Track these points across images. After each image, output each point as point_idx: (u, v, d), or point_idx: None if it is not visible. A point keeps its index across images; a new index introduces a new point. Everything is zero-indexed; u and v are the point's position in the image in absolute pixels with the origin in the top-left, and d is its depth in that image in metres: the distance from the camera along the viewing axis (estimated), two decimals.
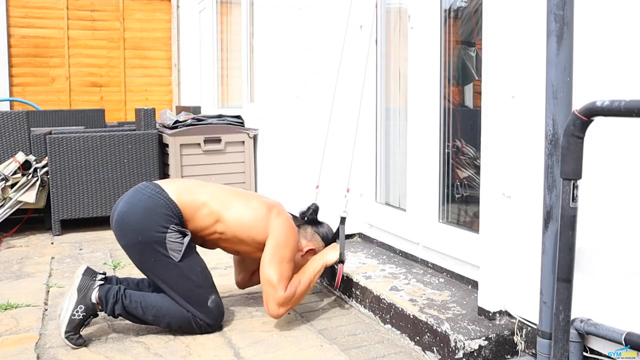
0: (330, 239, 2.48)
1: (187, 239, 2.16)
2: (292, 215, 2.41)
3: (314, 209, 2.49)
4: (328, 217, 2.60)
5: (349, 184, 2.64)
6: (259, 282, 2.41)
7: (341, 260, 2.40)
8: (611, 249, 1.60)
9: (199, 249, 2.28)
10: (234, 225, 2.23)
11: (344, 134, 3.02)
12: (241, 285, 2.60)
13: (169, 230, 2.13)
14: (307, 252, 2.39)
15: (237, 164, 4.23)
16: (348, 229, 3.07)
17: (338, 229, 2.48)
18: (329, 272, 2.56)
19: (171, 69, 7.62)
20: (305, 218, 2.49)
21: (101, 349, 2.07)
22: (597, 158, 1.61)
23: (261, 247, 2.24)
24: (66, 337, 2.04)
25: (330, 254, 2.37)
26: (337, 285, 2.47)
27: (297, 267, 2.35)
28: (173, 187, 2.23)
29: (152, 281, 2.24)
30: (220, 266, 3.05)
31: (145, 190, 2.20)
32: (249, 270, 2.55)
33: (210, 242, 2.32)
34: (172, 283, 2.15)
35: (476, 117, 2.16)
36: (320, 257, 2.36)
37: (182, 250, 2.13)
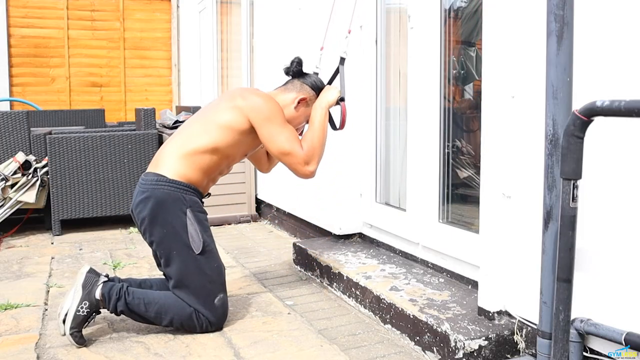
0: (319, 86, 2.40)
1: (202, 227, 2.17)
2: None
3: (298, 61, 2.40)
4: None
5: (351, 26, 2.52)
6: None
7: (342, 98, 2.33)
8: (611, 249, 1.59)
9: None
10: (222, 139, 2.20)
11: (345, 133, 3.02)
12: (265, 170, 2.63)
13: (187, 215, 2.14)
14: (298, 102, 2.34)
15: (237, 164, 4.22)
16: (347, 229, 3.08)
17: (337, 70, 2.41)
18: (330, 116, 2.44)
19: (171, 69, 7.63)
20: (290, 72, 2.43)
21: (101, 349, 2.08)
22: (597, 158, 1.61)
23: (256, 134, 2.23)
24: (71, 334, 2.04)
25: (329, 94, 2.33)
26: (343, 126, 2.38)
27: (297, 121, 2.34)
28: (162, 164, 2.20)
29: (162, 278, 2.26)
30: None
31: (147, 184, 2.19)
32: (262, 156, 2.57)
33: (226, 170, 2.34)
34: (186, 275, 2.15)
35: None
36: (319, 102, 2.32)
37: (202, 242, 2.15)
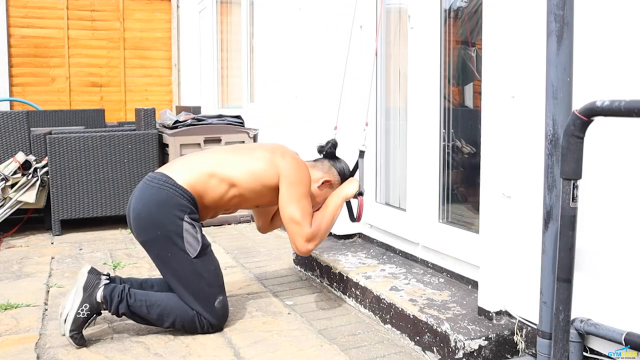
0: (346, 174, 2.47)
1: (199, 234, 2.16)
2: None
3: (333, 144, 2.48)
4: None
5: (367, 119, 2.60)
6: (280, 225, 2.45)
7: (360, 193, 2.38)
8: (611, 249, 1.59)
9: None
10: (247, 182, 2.23)
11: (345, 133, 3.02)
12: (263, 230, 2.63)
13: (185, 221, 2.13)
14: (322, 183, 2.39)
15: None
16: (347, 229, 3.07)
17: (357, 163, 2.46)
18: (349, 208, 2.52)
19: (171, 69, 7.63)
20: (324, 152, 2.49)
21: (101, 349, 2.07)
22: (597, 158, 1.61)
23: (277, 193, 2.25)
24: (70, 336, 2.04)
25: (349, 187, 2.38)
26: (359, 218, 2.43)
27: (315, 201, 2.37)
28: (178, 171, 2.21)
29: (162, 277, 2.25)
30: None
31: (153, 182, 2.18)
32: (268, 214, 2.58)
33: (232, 207, 2.33)
34: (184, 279, 2.15)
35: (476, 117, 2.16)
36: (339, 191, 2.37)
37: (199, 247, 2.14)
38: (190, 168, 2.22)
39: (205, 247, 2.18)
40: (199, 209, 2.21)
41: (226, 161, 2.26)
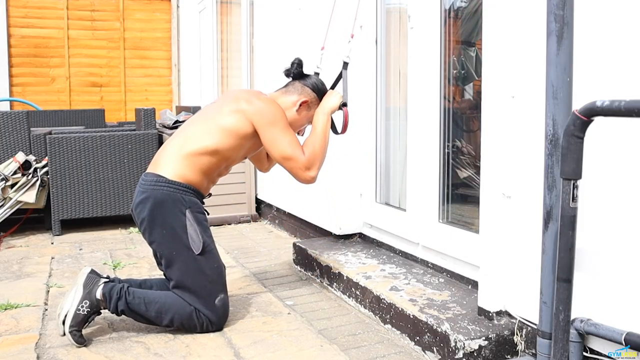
0: (320, 88, 2.39)
1: (202, 228, 2.17)
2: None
3: (298, 63, 2.40)
4: None
5: (353, 30, 2.51)
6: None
7: (344, 103, 2.33)
8: (611, 248, 1.59)
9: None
10: (223, 142, 2.20)
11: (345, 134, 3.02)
12: (265, 170, 2.65)
13: (186, 216, 2.14)
14: (300, 105, 2.34)
15: (237, 164, 4.22)
16: (348, 229, 3.07)
17: (340, 74, 2.41)
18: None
19: (171, 69, 7.63)
20: (291, 74, 2.42)
21: (101, 349, 2.08)
22: (597, 158, 1.61)
23: (258, 137, 2.23)
24: (70, 332, 2.04)
25: (331, 100, 2.33)
26: (345, 130, 2.38)
27: (300, 124, 2.35)
28: (162, 164, 2.20)
29: (162, 278, 2.26)
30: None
31: (148, 184, 2.19)
32: (263, 156, 2.58)
33: (225, 171, 2.34)
34: (187, 275, 2.15)
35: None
36: (322, 108, 2.32)
37: (201, 243, 2.15)
38: (170, 158, 2.20)
39: (208, 245, 2.19)
40: (197, 189, 2.21)
41: (196, 133, 2.22)
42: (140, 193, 2.20)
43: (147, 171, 2.25)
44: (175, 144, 2.25)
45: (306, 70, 2.43)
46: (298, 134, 2.42)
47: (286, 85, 2.41)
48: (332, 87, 2.44)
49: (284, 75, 2.45)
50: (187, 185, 2.18)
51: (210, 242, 2.21)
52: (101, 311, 2.15)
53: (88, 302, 2.08)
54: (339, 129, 2.39)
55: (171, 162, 2.19)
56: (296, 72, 2.40)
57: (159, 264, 2.26)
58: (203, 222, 2.20)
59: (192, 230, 2.15)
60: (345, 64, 2.38)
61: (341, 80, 2.39)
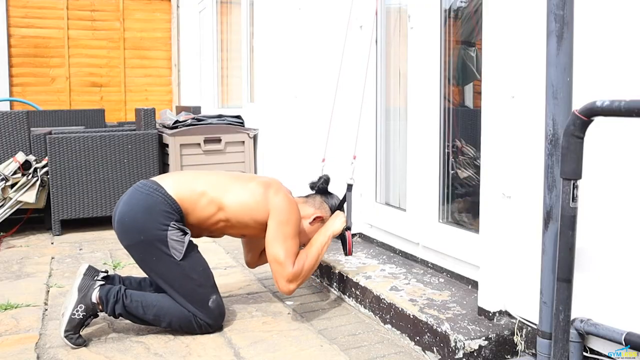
0: (336, 210, 2.46)
1: (187, 237, 2.16)
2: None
3: (325, 179, 2.48)
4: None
5: (355, 152, 2.61)
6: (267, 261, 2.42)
7: (348, 227, 2.38)
8: (611, 248, 1.60)
9: (200, 248, 2.28)
10: (235, 210, 2.23)
11: (345, 133, 3.02)
12: (251, 264, 2.63)
13: (170, 228, 2.13)
14: (314, 219, 2.39)
15: (237, 164, 4.23)
16: None
17: (344, 197, 2.46)
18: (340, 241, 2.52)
19: (171, 69, 7.62)
20: (316, 188, 2.49)
21: (101, 349, 2.07)
22: (597, 158, 1.61)
23: (265, 227, 2.24)
24: (65, 337, 2.04)
25: (335, 223, 2.37)
26: (350, 252, 2.44)
27: (306, 237, 2.36)
28: (170, 182, 2.22)
29: (154, 281, 2.24)
30: (220, 266, 3.05)
31: (143, 188, 2.20)
32: (257, 249, 2.57)
33: (217, 231, 2.33)
34: (173, 282, 2.15)
35: (476, 117, 2.16)
36: (325, 229, 2.35)
37: (184, 249, 2.13)
38: (183, 182, 2.23)
39: (191, 248, 2.17)
40: (184, 224, 2.20)
41: (220, 184, 2.26)
42: (131, 193, 2.22)
43: (150, 179, 2.26)
44: (195, 177, 2.29)
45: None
46: (303, 245, 2.40)
47: (308, 196, 2.48)
48: (339, 208, 2.48)
49: (308, 187, 2.52)
50: (179, 208, 2.16)
51: (192, 247, 2.19)
52: (98, 313, 2.14)
53: (83, 307, 2.07)
54: (346, 250, 2.47)
55: (180, 185, 2.21)
56: (321, 188, 2.49)
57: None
58: (186, 231, 2.18)
59: (172, 241, 2.12)
60: (350, 186, 2.47)
61: (346, 202, 2.46)
